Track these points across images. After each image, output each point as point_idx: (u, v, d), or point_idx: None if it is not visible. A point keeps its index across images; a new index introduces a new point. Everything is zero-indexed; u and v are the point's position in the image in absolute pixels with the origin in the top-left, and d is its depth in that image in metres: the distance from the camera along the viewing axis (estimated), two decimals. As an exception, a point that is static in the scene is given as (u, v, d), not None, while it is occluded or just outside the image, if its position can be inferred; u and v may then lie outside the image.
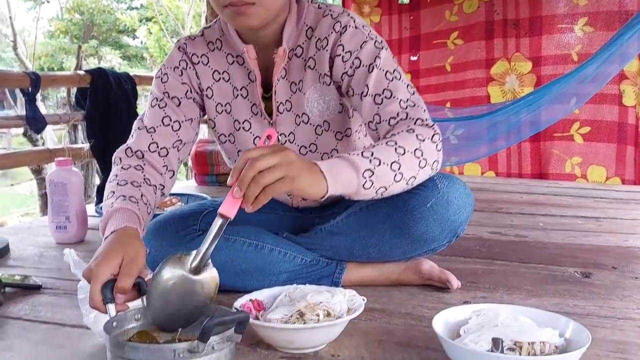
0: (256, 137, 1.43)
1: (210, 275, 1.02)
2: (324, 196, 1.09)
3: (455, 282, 1.44)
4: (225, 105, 1.41)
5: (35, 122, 2.47)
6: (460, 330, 1.06)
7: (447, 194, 1.35)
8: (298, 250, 1.45)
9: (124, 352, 0.88)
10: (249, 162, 1.00)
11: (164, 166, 1.36)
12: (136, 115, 2.83)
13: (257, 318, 1.14)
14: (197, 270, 1.02)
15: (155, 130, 1.35)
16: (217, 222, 1.02)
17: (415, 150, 1.19)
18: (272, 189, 1.00)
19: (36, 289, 1.49)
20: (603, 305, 1.36)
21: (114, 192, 1.21)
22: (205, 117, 1.48)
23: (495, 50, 3.55)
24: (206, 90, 1.42)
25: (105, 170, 2.78)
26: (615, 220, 2.35)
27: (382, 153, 1.15)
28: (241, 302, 1.16)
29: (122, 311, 1.00)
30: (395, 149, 1.17)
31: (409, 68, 3.81)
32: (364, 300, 1.15)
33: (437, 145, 1.24)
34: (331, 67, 1.34)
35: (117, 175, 1.26)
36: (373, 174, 1.13)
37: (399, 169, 1.17)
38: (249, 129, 1.42)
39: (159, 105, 1.38)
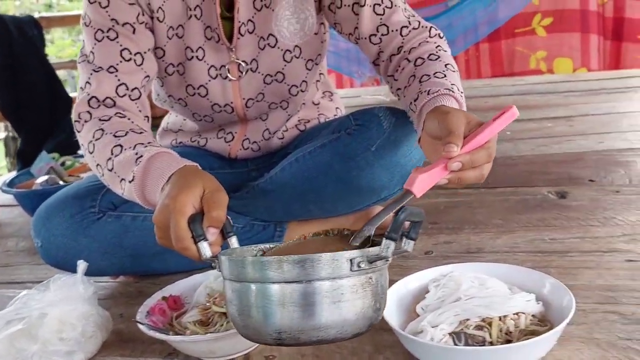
0: (211, 67, 1.17)
1: None
2: None
3: (414, 230, 1.23)
4: (177, 29, 1.13)
5: None
6: (417, 308, 0.87)
7: (394, 133, 1.12)
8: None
9: (265, 273, 0.66)
10: (485, 147, 0.82)
11: (139, 111, 1.09)
12: (48, 65, 2.51)
13: (171, 322, 0.93)
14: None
15: (117, 69, 1.07)
16: (404, 199, 0.78)
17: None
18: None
19: None
20: (584, 236, 1.17)
21: (121, 147, 0.96)
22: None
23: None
24: (157, 11, 1.11)
25: (22, 131, 2.47)
26: (586, 117, 2.16)
27: (458, 82, 1.01)
28: (150, 304, 0.94)
29: (216, 253, 0.79)
30: (455, 73, 1.03)
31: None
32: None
33: None
34: None
35: (102, 130, 1.00)
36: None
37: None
38: (203, 57, 1.16)
39: (107, 37, 1.07)
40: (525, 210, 1.35)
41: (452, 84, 0.97)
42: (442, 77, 0.98)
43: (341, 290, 0.67)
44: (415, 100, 0.97)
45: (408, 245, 0.71)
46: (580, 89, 2.65)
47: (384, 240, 0.68)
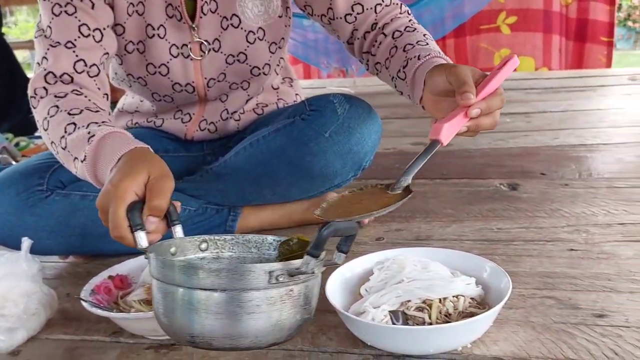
0: (172, 45, 1.15)
1: None
2: None
3: (366, 218, 1.25)
4: (137, 5, 1.11)
5: None
6: (361, 290, 0.88)
7: (348, 120, 1.14)
8: (179, 199, 1.22)
9: (182, 278, 0.65)
10: (498, 94, 0.85)
11: (98, 88, 1.06)
12: (5, 43, 2.45)
13: (117, 301, 0.93)
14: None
15: (75, 45, 1.04)
16: (432, 148, 0.82)
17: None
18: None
19: None
20: (530, 226, 1.20)
21: (75, 125, 0.94)
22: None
23: None
24: None
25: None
26: (545, 114, 2.20)
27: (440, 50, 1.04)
28: (95, 282, 0.94)
29: (154, 242, 0.77)
30: (434, 42, 1.06)
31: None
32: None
33: None
34: None
35: (57, 107, 0.98)
36: None
37: None
38: (164, 36, 1.14)
39: (65, 11, 1.04)
40: (476, 201, 1.37)
41: (438, 51, 1.00)
42: (426, 45, 1.01)
43: (257, 302, 0.66)
44: (404, 67, 0.99)
45: (339, 258, 0.72)
46: (541, 87, 2.70)
47: (305, 255, 0.67)
